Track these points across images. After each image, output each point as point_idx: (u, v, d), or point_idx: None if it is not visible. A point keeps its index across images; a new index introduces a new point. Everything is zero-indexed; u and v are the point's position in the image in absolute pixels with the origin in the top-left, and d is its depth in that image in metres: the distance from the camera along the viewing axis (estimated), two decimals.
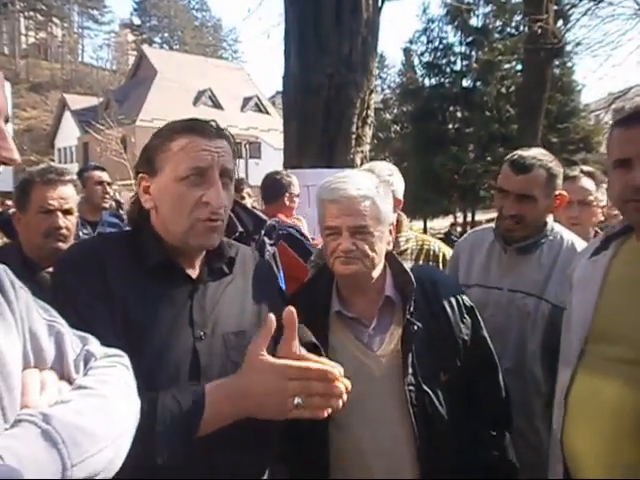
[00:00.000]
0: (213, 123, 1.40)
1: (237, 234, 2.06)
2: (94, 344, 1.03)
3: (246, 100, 37.15)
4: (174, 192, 1.33)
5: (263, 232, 2.17)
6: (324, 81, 4.72)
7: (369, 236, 1.67)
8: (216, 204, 1.34)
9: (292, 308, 1.20)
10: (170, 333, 1.31)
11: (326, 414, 1.18)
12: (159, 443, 1.13)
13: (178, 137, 1.35)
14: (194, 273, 1.42)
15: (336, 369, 1.18)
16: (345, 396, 1.19)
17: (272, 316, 1.20)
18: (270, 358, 1.18)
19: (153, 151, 1.37)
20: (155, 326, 1.29)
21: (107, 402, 0.90)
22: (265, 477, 1.45)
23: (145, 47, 39.61)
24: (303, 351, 1.22)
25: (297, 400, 1.14)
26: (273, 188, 3.71)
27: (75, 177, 2.42)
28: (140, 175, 1.40)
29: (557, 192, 2.15)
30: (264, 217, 2.19)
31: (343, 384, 1.18)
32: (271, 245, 2.21)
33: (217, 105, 34.64)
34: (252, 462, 1.39)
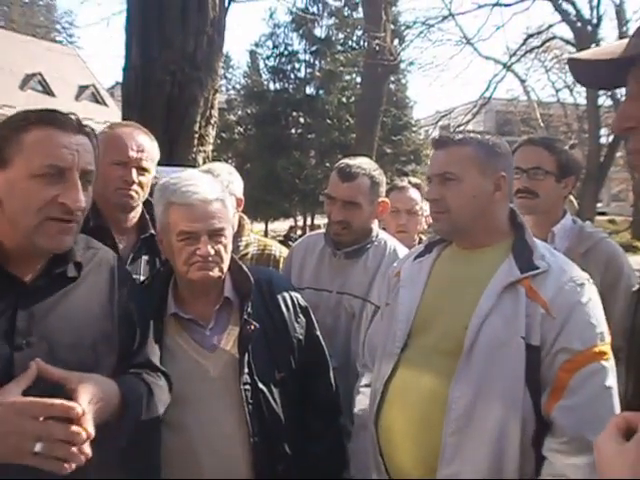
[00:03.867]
0: (73, 117, 1.30)
1: (148, 235, 2.04)
2: None
3: (82, 89, 34.81)
4: (25, 188, 1.23)
5: None
6: (167, 77, 4.61)
7: (224, 239, 1.69)
8: (74, 205, 1.25)
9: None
10: None
11: (68, 471, 1.09)
12: None
13: (33, 128, 1.24)
14: (28, 276, 1.30)
15: (79, 407, 1.11)
16: (88, 450, 1.11)
17: (33, 364, 1.13)
18: (17, 397, 1.08)
19: (2, 141, 1.24)
20: None
21: None
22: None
23: None
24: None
25: (38, 446, 1.05)
26: None
27: None
28: None
29: (380, 199, 2.30)
30: None
31: (86, 431, 1.10)
32: None
33: (48, 91, 32.03)
34: None
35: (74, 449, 1.09)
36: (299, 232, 25.78)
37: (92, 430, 1.13)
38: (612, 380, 1.44)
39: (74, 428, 1.09)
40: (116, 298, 1.46)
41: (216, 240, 1.67)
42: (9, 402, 1.07)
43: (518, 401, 1.46)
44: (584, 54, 0.91)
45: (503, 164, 1.64)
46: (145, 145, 2.05)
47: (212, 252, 1.65)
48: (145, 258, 2.07)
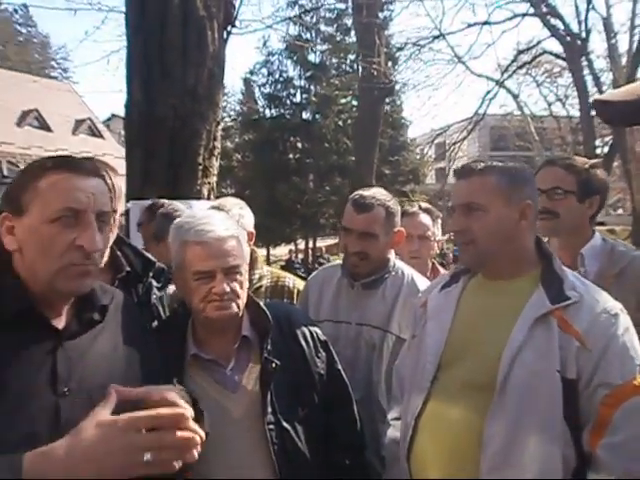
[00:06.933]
0: (88, 161, 1.31)
1: (124, 274, 1.97)
2: None
3: (78, 123, 35.01)
4: (44, 234, 1.22)
5: (151, 274, 2.06)
6: (169, 112, 4.65)
7: (239, 276, 1.68)
8: (90, 248, 1.24)
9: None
10: (25, 390, 1.18)
11: (177, 466, 1.07)
12: None
13: (48, 174, 1.24)
14: (60, 323, 1.30)
15: (185, 410, 1.10)
16: (199, 447, 1.11)
17: (113, 387, 1.12)
18: (113, 416, 1.06)
19: (18, 189, 1.25)
20: (8, 384, 1.16)
21: None
22: None
23: None
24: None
25: (148, 456, 1.01)
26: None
27: None
28: (3, 214, 1.26)
29: (396, 229, 2.30)
30: (153, 259, 2.10)
31: (198, 434, 1.09)
32: (159, 289, 2.08)
33: (45, 127, 32.25)
34: None
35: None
36: (300, 256, 25.78)
37: (202, 432, 1.11)
38: None
39: (184, 434, 1.07)
40: (138, 341, 1.45)
41: (231, 277, 1.66)
42: (110, 420, 1.05)
43: (558, 437, 1.43)
44: (608, 96, 0.92)
45: (527, 192, 1.61)
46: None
47: (228, 290, 1.64)
48: None
